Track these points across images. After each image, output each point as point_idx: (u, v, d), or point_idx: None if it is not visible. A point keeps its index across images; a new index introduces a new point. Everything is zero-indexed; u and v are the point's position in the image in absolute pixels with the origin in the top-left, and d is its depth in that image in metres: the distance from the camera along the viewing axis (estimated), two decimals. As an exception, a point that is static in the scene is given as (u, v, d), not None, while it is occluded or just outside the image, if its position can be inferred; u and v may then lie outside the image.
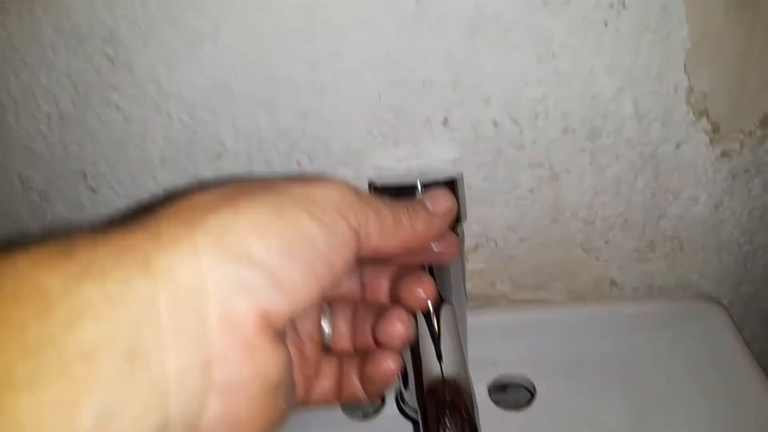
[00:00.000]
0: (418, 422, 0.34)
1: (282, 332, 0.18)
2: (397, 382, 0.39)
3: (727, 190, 0.37)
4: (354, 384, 0.25)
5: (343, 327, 0.26)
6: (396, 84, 0.33)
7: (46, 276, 0.14)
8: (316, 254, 0.18)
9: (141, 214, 0.17)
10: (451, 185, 0.31)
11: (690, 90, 0.33)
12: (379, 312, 0.25)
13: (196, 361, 0.16)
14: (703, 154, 0.36)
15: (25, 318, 0.14)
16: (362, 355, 0.25)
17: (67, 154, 0.35)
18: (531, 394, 0.39)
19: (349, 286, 0.26)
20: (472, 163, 0.36)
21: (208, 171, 0.36)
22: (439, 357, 0.31)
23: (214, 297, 0.16)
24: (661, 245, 0.40)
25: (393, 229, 0.22)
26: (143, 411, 0.14)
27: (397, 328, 0.24)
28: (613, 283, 0.42)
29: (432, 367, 0.31)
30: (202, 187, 0.19)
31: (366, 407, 0.41)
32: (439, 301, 0.32)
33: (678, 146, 0.35)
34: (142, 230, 0.16)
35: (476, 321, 0.41)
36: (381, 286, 0.26)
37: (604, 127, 0.34)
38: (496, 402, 0.39)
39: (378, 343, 0.25)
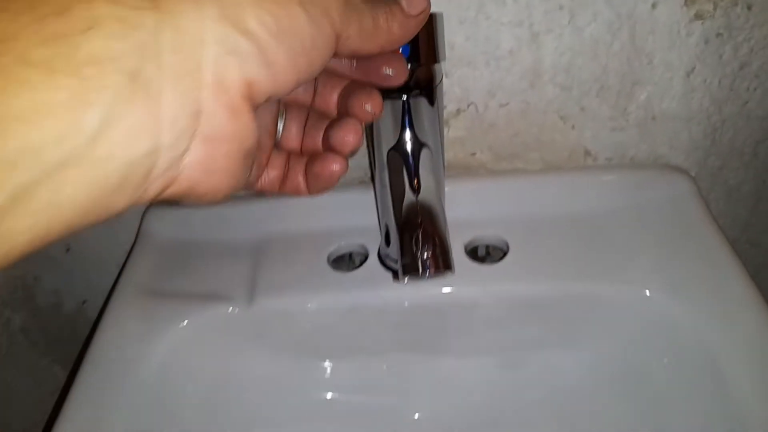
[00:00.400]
0: (397, 263, 0.37)
1: (258, 107, 0.19)
2: (381, 241, 0.41)
3: (699, 55, 0.38)
4: (298, 179, 0.27)
5: (294, 129, 0.28)
6: None
7: None
8: (301, 46, 0.19)
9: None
10: (429, 20, 0.31)
11: (667, -56, 0.34)
12: (332, 121, 0.27)
13: (188, 106, 0.17)
14: (677, 16, 0.37)
15: (44, 13, 0.14)
16: (309, 156, 0.27)
17: None
18: (505, 253, 0.42)
19: (305, 91, 0.28)
20: (455, 19, 0.37)
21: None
22: (417, 189, 0.33)
23: (210, 53, 0.17)
24: (634, 113, 0.41)
25: (372, 33, 0.23)
26: (138, 130, 0.16)
27: (349, 136, 0.25)
28: (587, 153, 0.44)
29: (409, 196, 0.33)
30: None
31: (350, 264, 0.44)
32: (419, 144, 0.34)
33: (654, 6, 0.36)
34: None
35: (456, 188, 0.43)
36: (331, 96, 0.28)
37: (583, -17, 0.35)
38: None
39: (328, 148, 0.27)
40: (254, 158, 0.21)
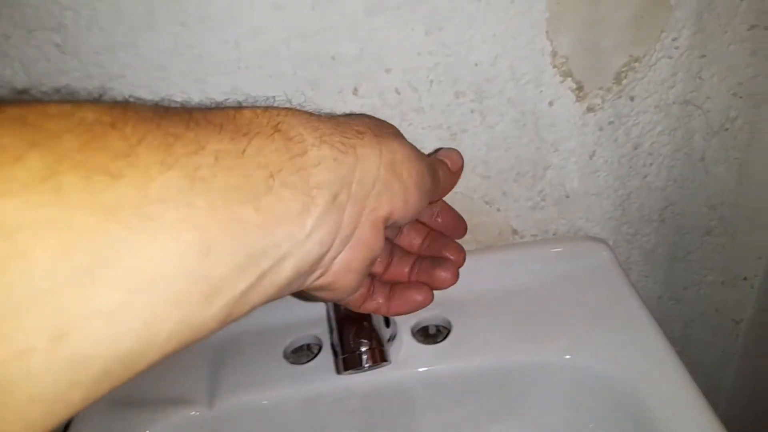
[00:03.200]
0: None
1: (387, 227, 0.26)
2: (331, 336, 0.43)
3: (597, 141, 0.43)
4: (379, 301, 0.32)
5: (380, 259, 0.34)
6: (310, 59, 0.37)
7: (305, 132, 0.22)
8: (426, 190, 0.27)
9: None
10: None
11: (554, 54, 0.39)
12: (423, 259, 0.35)
13: (354, 221, 0.23)
14: (572, 110, 0.41)
15: (294, 153, 0.21)
16: (392, 283, 0.33)
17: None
18: (449, 331, 0.44)
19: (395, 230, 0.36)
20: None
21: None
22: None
23: (376, 188, 0.24)
24: (550, 194, 0.45)
25: (440, 189, 0.32)
26: (328, 233, 0.22)
27: (448, 275, 0.34)
28: (514, 231, 0.47)
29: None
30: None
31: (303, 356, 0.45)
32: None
33: (551, 104, 0.41)
34: (352, 128, 0.24)
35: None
36: (415, 239, 0.36)
37: (488, 89, 0.40)
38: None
39: (416, 280, 0.34)
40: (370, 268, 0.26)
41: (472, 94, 0.40)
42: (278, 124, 0.21)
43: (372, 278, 0.32)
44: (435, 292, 0.45)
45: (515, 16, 0.37)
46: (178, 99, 0.37)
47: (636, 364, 0.38)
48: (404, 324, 0.43)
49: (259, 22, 0.35)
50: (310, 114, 0.23)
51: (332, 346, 0.42)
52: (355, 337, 0.34)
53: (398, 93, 0.39)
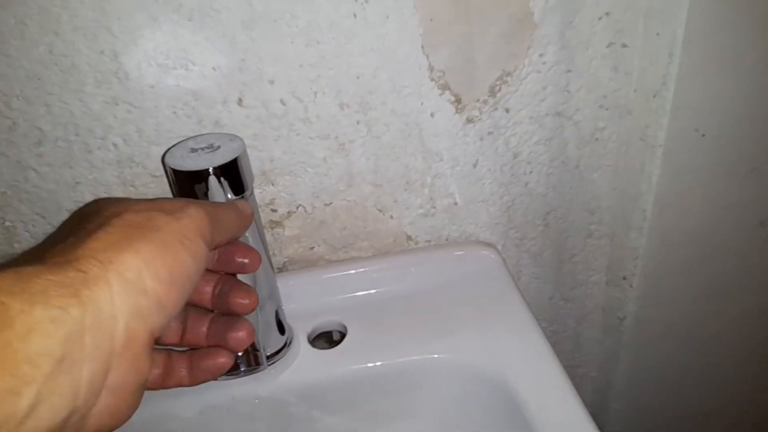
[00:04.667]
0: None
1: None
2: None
3: (479, 150, 0.45)
4: (181, 373, 0.30)
5: (173, 325, 0.32)
6: (189, 69, 0.37)
7: (8, 298, 0.19)
8: (189, 279, 0.25)
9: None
10: (235, 163, 0.35)
11: (431, 68, 0.40)
12: (214, 317, 0.32)
13: (102, 370, 0.21)
14: (453, 121, 0.43)
15: None
16: (191, 349, 0.31)
17: None
18: (343, 335, 0.44)
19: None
20: (271, 137, 0.41)
21: (30, 157, 0.38)
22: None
23: (121, 323, 0.21)
24: (440, 201, 0.47)
25: (226, 231, 0.30)
26: (61, 403, 0.19)
27: (242, 334, 0.31)
28: (409, 237, 0.48)
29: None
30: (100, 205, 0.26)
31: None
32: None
33: (432, 115, 0.42)
34: (73, 267, 0.21)
35: (298, 282, 0.46)
36: (207, 292, 0.33)
37: (371, 101, 0.41)
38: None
39: (214, 343, 0.32)
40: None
41: (356, 105, 0.41)
42: None
43: (168, 352, 0.31)
44: (334, 298, 0.46)
45: (391, 31, 0.38)
46: (57, 110, 0.37)
47: (511, 360, 0.39)
48: (301, 330, 0.43)
49: (138, 33, 0.35)
50: (23, 266, 0.20)
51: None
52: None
53: (283, 104, 0.40)
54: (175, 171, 0.33)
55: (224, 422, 0.41)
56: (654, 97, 0.45)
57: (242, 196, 0.35)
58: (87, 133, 0.38)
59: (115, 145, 0.39)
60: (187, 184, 0.33)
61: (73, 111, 0.37)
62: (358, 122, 0.42)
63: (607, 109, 0.46)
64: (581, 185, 0.49)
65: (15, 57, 0.35)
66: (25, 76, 0.35)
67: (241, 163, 0.34)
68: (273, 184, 0.43)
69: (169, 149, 0.35)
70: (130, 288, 0.22)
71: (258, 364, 0.34)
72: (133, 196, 0.41)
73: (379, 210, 0.46)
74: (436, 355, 0.41)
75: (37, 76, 0.35)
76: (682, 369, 0.62)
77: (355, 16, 0.37)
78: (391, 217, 0.47)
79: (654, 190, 0.48)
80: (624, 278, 0.54)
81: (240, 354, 0.34)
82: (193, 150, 0.35)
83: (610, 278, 0.55)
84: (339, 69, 0.39)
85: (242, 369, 0.34)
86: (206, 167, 0.33)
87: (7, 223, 0.41)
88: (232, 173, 0.34)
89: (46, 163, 0.39)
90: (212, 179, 0.33)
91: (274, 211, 0.44)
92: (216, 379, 0.32)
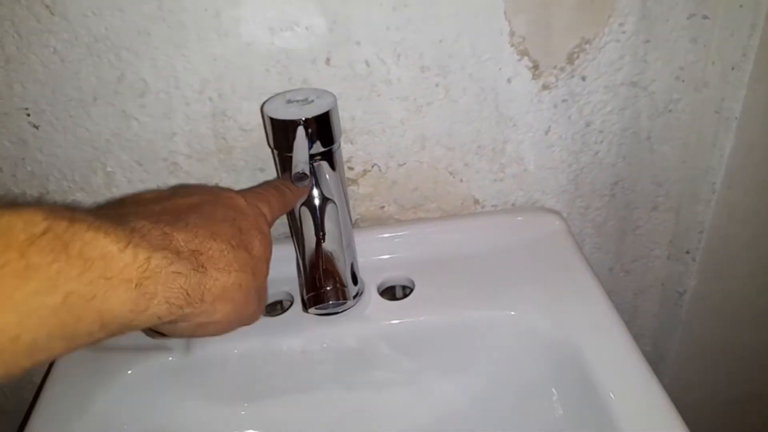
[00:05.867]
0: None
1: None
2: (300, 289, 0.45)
3: (551, 117, 0.46)
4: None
5: None
6: (285, 29, 0.39)
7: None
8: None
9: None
10: (327, 116, 0.37)
11: (511, 33, 0.41)
12: None
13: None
14: (528, 87, 0.44)
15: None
16: None
17: (11, 92, 0.40)
18: (411, 290, 0.46)
19: None
20: (353, 97, 0.43)
21: (134, 107, 0.41)
22: (322, 237, 0.38)
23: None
24: (509, 167, 0.48)
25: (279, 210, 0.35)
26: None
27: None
28: (476, 201, 0.50)
29: (315, 243, 0.38)
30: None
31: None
32: (323, 200, 0.39)
33: (509, 81, 0.43)
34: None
35: (369, 238, 0.48)
36: None
37: (451, 65, 0.42)
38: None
39: None
40: None
41: (436, 68, 0.42)
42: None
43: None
44: (402, 255, 0.48)
45: (476, -4, 0.39)
46: (161, 64, 0.39)
47: (580, 326, 0.40)
48: (371, 283, 0.46)
49: (239, -7, 0.37)
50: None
51: (302, 300, 0.44)
52: (321, 278, 0.37)
53: (368, 65, 0.41)
54: (272, 120, 0.35)
55: (296, 364, 0.43)
56: (732, 69, 0.45)
57: (330, 149, 0.37)
58: (186, 87, 0.41)
59: (210, 99, 0.41)
60: (282, 132, 0.35)
61: (175, 65, 0.40)
62: (436, 85, 0.43)
63: (683, 81, 0.46)
64: (651, 157, 0.49)
65: (128, 12, 0.37)
66: (135, 30, 0.38)
67: (332, 117, 0.37)
68: (352, 143, 0.45)
69: (267, 100, 0.37)
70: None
71: (344, 297, 0.37)
72: (224, 149, 0.44)
73: (450, 173, 0.48)
74: (499, 312, 0.43)
75: (146, 30, 0.38)
76: (735, 347, 0.62)
77: (442, -20, 0.39)
78: (461, 180, 0.48)
79: (725, 164, 0.48)
80: (687, 252, 0.54)
81: (328, 288, 0.36)
82: (290, 102, 0.37)
83: (672, 252, 0.56)
84: (423, 33, 0.40)
85: (331, 302, 0.36)
86: (301, 117, 0.35)
87: (108, 169, 0.44)
88: (324, 125, 0.36)
89: (147, 114, 0.42)
90: (304, 129, 0.35)
91: (350, 169, 0.46)
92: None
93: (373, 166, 0.47)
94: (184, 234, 0.25)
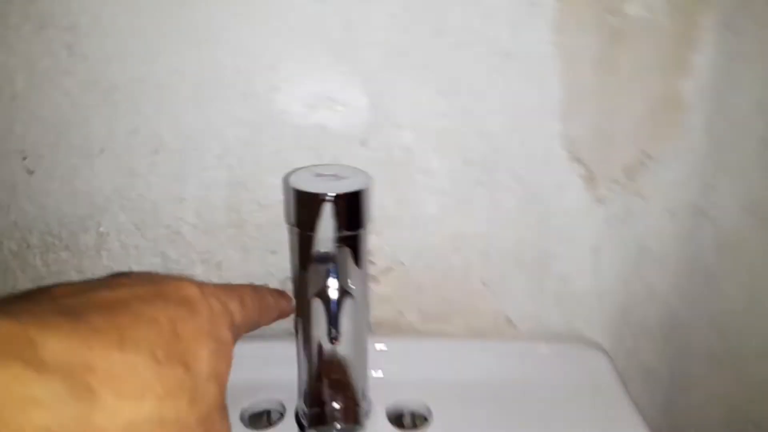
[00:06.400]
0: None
1: None
2: (297, 395, 0.38)
3: (603, 235, 0.41)
4: None
5: None
6: (323, 103, 0.36)
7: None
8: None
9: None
10: (358, 195, 0.32)
11: (565, 137, 0.38)
12: None
13: None
14: (581, 198, 0.39)
15: None
16: None
17: (11, 132, 0.36)
18: (425, 419, 0.38)
19: None
20: (387, 183, 0.38)
21: (143, 165, 0.37)
22: (335, 339, 0.31)
23: None
24: (551, 286, 0.42)
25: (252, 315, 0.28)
26: None
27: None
28: (509, 321, 0.43)
29: (326, 346, 0.31)
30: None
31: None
32: (342, 294, 0.32)
33: (560, 188, 0.39)
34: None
35: (383, 347, 0.41)
36: None
37: (498, 162, 0.38)
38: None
39: None
40: None
41: (480, 164, 0.38)
42: None
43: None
44: (420, 374, 0.40)
45: (531, 93, 0.36)
46: (183, 122, 0.36)
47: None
48: (379, 401, 0.38)
49: (275, 59, 0.35)
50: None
51: (297, 412, 0.37)
52: (329, 391, 0.29)
53: (407, 151, 0.38)
54: (298, 191, 0.30)
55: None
56: (808, 207, 0.40)
57: (357, 234, 0.32)
58: (205, 150, 0.37)
59: (229, 166, 0.37)
60: (307, 207, 0.30)
61: (198, 125, 0.36)
62: (479, 182, 0.39)
63: (753, 214, 0.41)
64: (712, 297, 0.43)
65: (155, 62, 0.35)
66: (159, 83, 0.35)
67: (364, 198, 0.32)
68: (377, 234, 0.40)
69: (292, 171, 0.33)
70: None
71: (356, 422, 0.29)
72: (235, 223, 0.39)
73: (483, 283, 0.42)
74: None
75: (171, 84, 0.35)
76: None
77: (496, 72, 0.36)
78: (495, 293, 0.42)
79: (802, 313, 0.42)
80: (754, 424, 0.46)
81: (337, 406, 0.29)
82: (319, 176, 0.32)
83: (732, 419, 0.47)
84: (470, 124, 0.37)
85: (338, 426, 0.29)
86: (331, 192, 0.30)
87: (102, 229, 0.39)
88: (354, 205, 0.31)
89: (156, 174, 0.37)
90: (331, 206, 0.30)
91: (371, 263, 0.41)
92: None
93: (397, 264, 0.41)
94: (66, 342, 0.17)
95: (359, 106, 0.36)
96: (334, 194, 0.31)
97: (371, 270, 0.41)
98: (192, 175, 0.37)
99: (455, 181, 0.38)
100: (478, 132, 0.37)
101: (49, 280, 0.40)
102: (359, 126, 0.37)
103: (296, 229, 0.33)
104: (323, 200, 0.31)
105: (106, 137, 0.36)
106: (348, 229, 0.32)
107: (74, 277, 0.40)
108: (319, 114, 0.36)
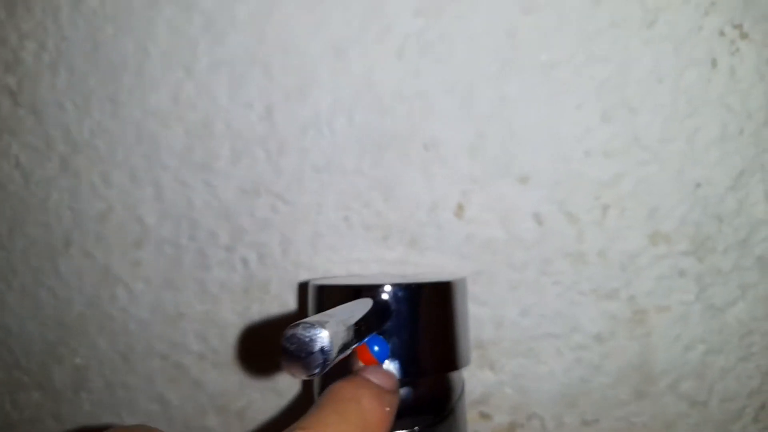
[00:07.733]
0: None
1: None
2: None
3: None
4: None
5: None
6: (387, 145, 0.21)
7: None
8: None
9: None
10: (446, 287, 0.17)
11: None
12: None
13: None
14: None
15: None
16: None
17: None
18: None
19: None
20: (503, 282, 0.22)
21: (122, 264, 0.24)
22: None
23: None
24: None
25: None
26: None
27: None
28: None
29: None
30: None
31: None
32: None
33: None
34: None
35: None
36: None
37: (718, 236, 0.20)
38: None
39: None
40: None
41: (685, 240, 0.20)
42: None
43: None
44: None
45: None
46: (169, 195, 0.23)
47: None
48: None
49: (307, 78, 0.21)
50: None
51: None
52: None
53: (539, 222, 0.21)
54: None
55: None
56: None
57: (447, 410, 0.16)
58: (207, 238, 0.23)
59: (244, 261, 0.23)
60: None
61: (192, 198, 0.23)
62: (682, 273, 0.21)
63: None
64: None
65: (125, 105, 0.22)
66: (136, 135, 0.22)
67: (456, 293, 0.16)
68: (492, 369, 0.23)
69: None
70: None
71: None
72: (262, 353, 0.24)
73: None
74: None
75: (152, 136, 0.22)
76: None
77: (714, 64, 0.19)
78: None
79: None
80: None
81: None
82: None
83: None
84: (664, 166, 0.20)
85: None
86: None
87: (78, 360, 0.26)
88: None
89: (142, 277, 0.24)
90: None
91: (485, 417, 0.24)
92: None
93: (530, 418, 0.24)
94: None
95: (453, 145, 0.21)
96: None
97: (484, 428, 0.24)
98: (190, 277, 0.24)
99: (635, 273, 0.21)
100: (677, 182, 0.20)
101: (21, 429, 0.28)
102: (452, 179, 0.21)
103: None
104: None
105: (71, 224, 0.24)
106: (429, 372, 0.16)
107: (51, 425, 0.27)
108: (384, 165, 0.21)
